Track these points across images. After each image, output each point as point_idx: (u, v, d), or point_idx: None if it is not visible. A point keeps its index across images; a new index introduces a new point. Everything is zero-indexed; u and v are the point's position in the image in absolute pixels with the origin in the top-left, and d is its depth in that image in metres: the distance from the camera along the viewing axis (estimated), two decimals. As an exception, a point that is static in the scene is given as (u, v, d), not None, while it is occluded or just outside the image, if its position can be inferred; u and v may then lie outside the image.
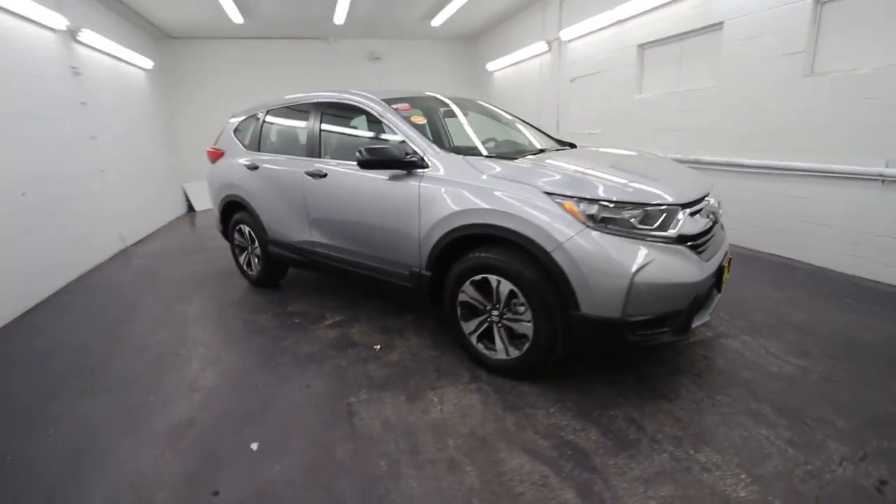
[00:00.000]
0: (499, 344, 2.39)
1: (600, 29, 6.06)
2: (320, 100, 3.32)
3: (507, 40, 8.72)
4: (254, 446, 2.00)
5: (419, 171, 2.58)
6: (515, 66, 8.55)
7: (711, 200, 2.43)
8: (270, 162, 3.58)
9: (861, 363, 2.44)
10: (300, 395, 2.38)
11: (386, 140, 2.89)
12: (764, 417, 2.04)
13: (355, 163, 2.90)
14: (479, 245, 2.38)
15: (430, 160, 2.56)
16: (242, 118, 4.10)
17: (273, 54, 9.19)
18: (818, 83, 3.70)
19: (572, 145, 3.39)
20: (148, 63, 7.19)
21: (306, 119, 3.38)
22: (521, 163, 2.45)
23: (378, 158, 2.58)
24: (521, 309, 2.25)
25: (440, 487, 1.73)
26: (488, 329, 2.43)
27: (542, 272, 2.13)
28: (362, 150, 2.61)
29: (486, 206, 2.23)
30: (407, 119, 2.80)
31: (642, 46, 5.52)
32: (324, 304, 3.64)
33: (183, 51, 8.76)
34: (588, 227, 2.01)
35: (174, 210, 8.24)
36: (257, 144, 3.83)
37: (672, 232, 2.06)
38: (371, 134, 3.08)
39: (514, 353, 2.34)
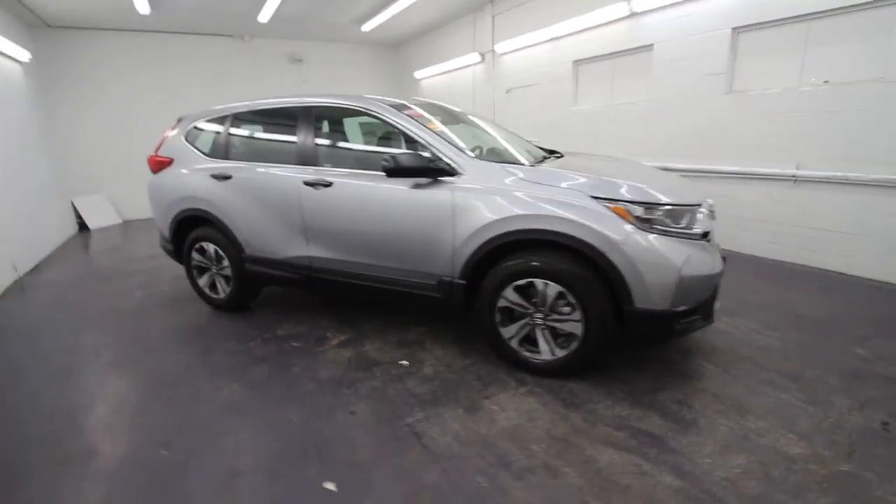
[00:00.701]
0: (543, 345, 2.46)
1: (536, 44, 6.48)
2: (316, 104, 3.08)
3: (436, 49, 8.88)
4: (331, 486, 1.80)
5: (448, 178, 2.54)
6: (446, 74, 8.73)
7: (710, 200, 2.78)
8: (248, 171, 3.22)
9: (817, 331, 2.96)
10: (349, 423, 2.19)
11: (398, 148, 2.79)
12: (777, 384, 2.39)
13: (367, 171, 2.80)
14: (516, 251, 2.42)
15: (460, 167, 2.54)
16: (196, 123, 3.62)
17: (180, 51, 8.22)
18: (737, 99, 4.41)
19: (558, 153, 3.59)
20: (24, 55, 5.93)
21: (294, 125, 3.11)
22: (555, 170, 2.55)
23: (408, 166, 2.49)
24: (567, 309, 2.34)
25: (550, 493, 1.73)
26: (530, 332, 2.48)
27: (592, 272, 2.25)
28: (391, 157, 2.50)
29: (537, 212, 2.28)
30: (424, 126, 2.74)
31: (577, 62, 6.04)
32: (316, 322, 3.37)
33: (69, 43, 7.40)
34: (637, 227, 2.18)
35: (63, 230, 6.88)
36: (224, 152, 3.41)
37: (698, 229, 2.32)
38: (384, 141, 2.95)
39: (560, 352, 2.42)
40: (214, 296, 3.63)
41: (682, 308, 2.22)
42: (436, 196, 2.54)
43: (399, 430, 2.14)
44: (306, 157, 3.02)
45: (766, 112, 4.20)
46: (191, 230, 3.57)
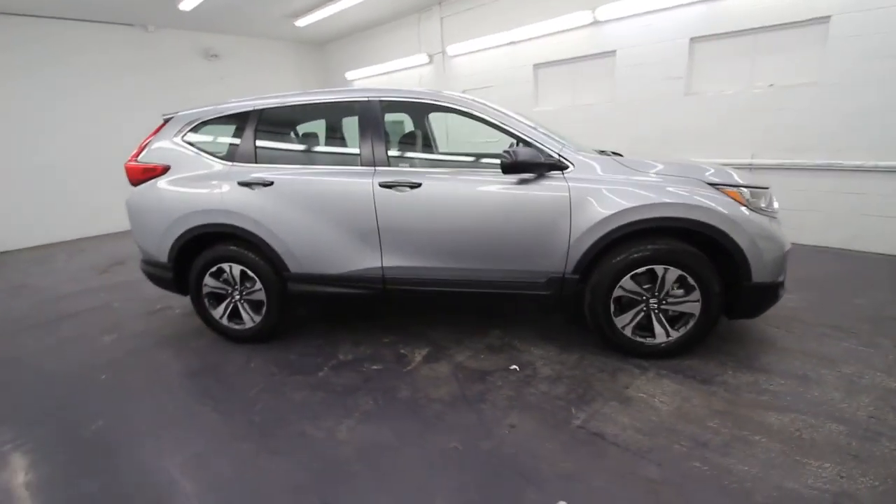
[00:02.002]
0: (658, 329, 2.55)
1: (494, 47, 6.65)
2: (385, 98, 2.76)
3: (372, 49, 8.57)
4: (566, 505, 1.66)
5: (557, 172, 2.50)
6: (387, 76, 8.48)
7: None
8: (296, 176, 2.77)
9: (816, 290, 3.53)
10: (519, 438, 2.03)
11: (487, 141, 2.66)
12: (830, 335, 2.81)
13: (460, 168, 2.63)
14: (628, 241, 2.48)
15: (569, 161, 2.51)
16: (197, 122, 3.00)
17: (68, 41, 6.68)
18: (696, 100, 5.07)
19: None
20: None
21: (349, 121, 2.77)
22: (654, 160, 2.65)
23: (527, 161, 2.39)
24: (681, 291, 2.48)
25: (763, 460, 1.82)
26: (645, 317, 2.56)
27: (707, 254, 2.41)
28: (510, 152, 2.37)
29: (669, 199, 2.36)
30: (521, 121, 2.66)
31: (538, 66, 6.35)
32: (375, 340, 3.03)
33: None
34: (751, 209, 2.39)
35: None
36: (250, 155, 2.88)
37: (776, 208, 2.64)
38: (471, 136, 2.76)
39: (675, 334, 2.55)
40: (236, 326, 3.05)
41: (782, 279, 2.49)
42: (550, 191, 2.48)
43: (576, 433, 2.04)
44: (376, 157, 2.70)
45: (722, 111, 4.90)
46: (202, 250, 2.95)
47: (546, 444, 1.99)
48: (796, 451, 1.87)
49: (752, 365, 2.53)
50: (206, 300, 3.04)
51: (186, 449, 2.09)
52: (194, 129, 3.01)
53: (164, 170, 2.98)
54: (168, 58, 7.71)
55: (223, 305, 3.03)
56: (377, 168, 2.69)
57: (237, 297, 2.99)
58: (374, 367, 2.73)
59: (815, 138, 4.40)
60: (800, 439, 1.94)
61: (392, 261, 2.73)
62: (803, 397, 2.22)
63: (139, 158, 3.06)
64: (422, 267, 2.71)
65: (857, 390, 2.25)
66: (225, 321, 3.06)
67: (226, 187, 2.83)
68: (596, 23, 5.53)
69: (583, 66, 5.96)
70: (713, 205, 2.34)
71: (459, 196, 2.60)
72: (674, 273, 2.44)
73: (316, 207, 2.74)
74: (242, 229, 2.82)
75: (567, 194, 2.46)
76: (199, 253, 2.96)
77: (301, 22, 7.43)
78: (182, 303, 3.93)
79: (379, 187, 2.63)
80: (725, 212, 2.34)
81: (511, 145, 2.61)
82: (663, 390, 2.33)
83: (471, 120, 2.70)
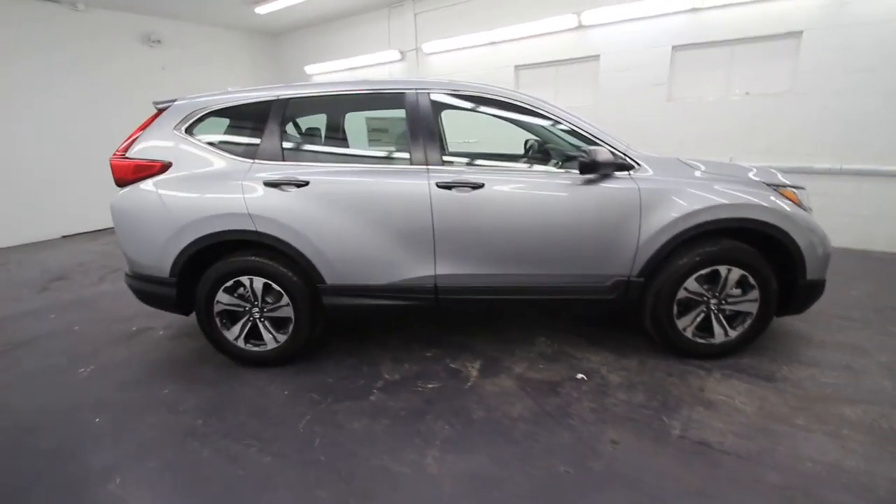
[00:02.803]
0: (717, 329, 2.57)
1: (474, 46, 6.54)
2: (440, 90, 2.54)
3: (336, 43, 8.12)
4: (720, 524, 1.56)
5: (625, 173, 2.42)
6: (352, 72, 8.06)
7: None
8: (337, 175, 2.45)
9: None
10: (626, 455, 1.91)
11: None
12: (851, 325, 3.00)
13: (523, 168, 2.48)
14: (693, 242, 2.46)
15: (635, 161, 2.45)
16: (205, 112, 2.56)
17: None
18: (677, 106, 5.32)
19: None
20: None
21: (398, 115, 2.50)
22: (712, 162, 2.66)
23: (603, 161, 2.29)
24: (739, 291, 2.51)
25: (865, 451, 1.86)
26: (705, 318, 2.56)
27: (764, 254, 2.46)
28: (588, 151, 2.25)
29: (738, 201, 2.37)
30: (584, 120, 2.55)
31: (519, 67, 6.34)
32: (416, 354, 2.78)
33: None
34: (804, 209, 2.47)
35: None
36: (276, 151, 2.50)
37: (810, 207, 2.77)
38: (530, 133, 2.59)
39: (733, 333, 2.57)
40: (255, 348, 2.64)
41: (825, 276, 2.61)
42: (621, 192, 2.39)
43: (681, 444, 1.96)
44: (429, 156, 2.46)
45: (702, 116, 5.18)
46: (212, 262, 2.52)
47: (657, 459, 1.89)
48: (886, 442, 1.93)
49: (800, 359, 2.62)
50: (217, 320, 2.60)
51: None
52: (200, 121, 2.56)
53: (164, 168, 2.50)
54: (100, 42, 6.71)
55: (239, 325, 2.61)
56: (430, 167, 2.45)
57: (257, 314, 2.59)
58: (430, 385, 2.48)
59: (789, 143, 4.79)
60: (881, 429, 2.02)
61: (447, 268, 2.49)
62: (861, 388, 2.33)
63: (128, 154, 2.55)
64: (480, 274, 2.51)
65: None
66: (241, 343, 2.64)
67: (249, 188, 2.43)
68: (581, 27, 5.62)
69: (566, 69, 6.04)
70: (781, 206, 2.39)
71: (526, 198, 2.44)
72: (736, 273, 2.46)
73: (360, 211, 2.43)
74: (270, 236, 2.44)
75: (637, 195, 2.40)
76: (207, 265, 2.53)
77: (262, 9, 6.82)
78: (166, 321, 3.38)
79: (436, 188, 2.39)
80: (789, 212, 2.40)
81: (534, 144, 2.48)
82: (738, 391, 2.34)
83: (529, 118, 2.56)
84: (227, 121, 2.62)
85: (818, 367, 2.53)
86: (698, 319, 2.56)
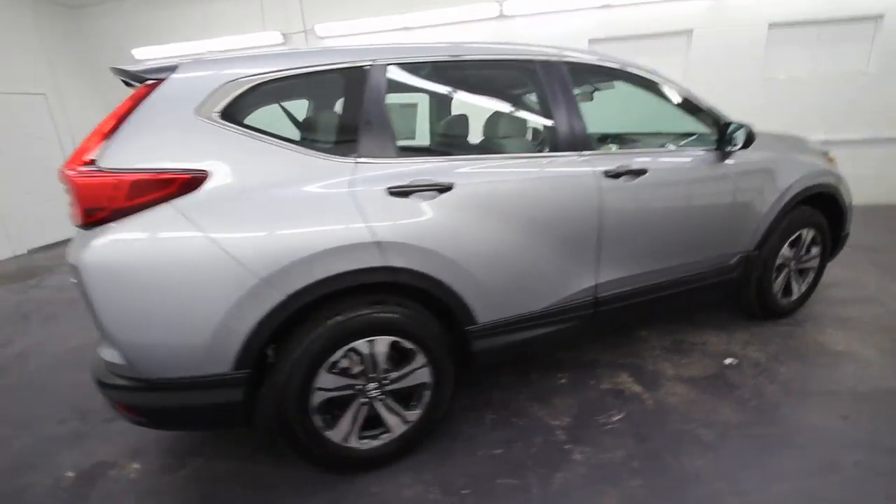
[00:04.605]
0: (794, 287, 2.78)
1: (382, 31, 5.83)
2: (571, 59, 2.02)
3: (178, 20, 6.32)
4: None
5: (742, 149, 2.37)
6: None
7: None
8: (489, 173, 1.75)
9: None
10: (860, 418, 1.86)
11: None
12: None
13: (656, 147, 2.23)
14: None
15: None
16: (258, 84, 1.52)
17: None
18: (770, 84, 5.34)
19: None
20: None
21: (525, 91, 1.94)
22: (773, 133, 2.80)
23: (749, 138, 2.18)
24: (811, 251, 2.76)
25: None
26: (786, 279, 2.74)
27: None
28: (743, 127, 2.12)
29: (822, 169, 2.58)
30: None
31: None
32: (557, 387, 2.26)
33: None
34: (838, 173, 2.85)
35: None
36: (389, 144, 1.64)
37: None
38: (663, 112, 2.26)
39: (803, 288, 2.83)
40: (374, 443, 1.74)
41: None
42: (754, 165, 2.36)
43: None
44: (578, 138, 1.95)
45: (794, 93, 5.25)
46: (307, 328, 1.54)
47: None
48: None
49: (830, 300, 3.05)
50: (316, 418, 1.61)
51: None
52: (243, 98, 1.51)
53: (195, 181, 1.40)
54: None
55: (349, 415, 1.68)
56: (582, 153, 1.97)
57: (375, 392, 1.70)
58: (614, 417, 2.03)
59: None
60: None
61: (609, 273, 2.06)
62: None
63: (104, 163, 1.34)
64: (637, 275, 2.16)
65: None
66: (353, 441, 1.70)
67: (366, 202, 1.54)
68: (502, 16, 5.55)
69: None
70: (838, 171, 2.70)
71: (680, 181, 2.18)
72: (810, 234, 2.70)
73: (518, 217, 1.80)
74: (407, 271, 1.61)
75: (764, 167, 2.40)
76: (283, 337, 1.54)
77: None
78: (134, 444, 2.02)
79: (605, 178, 1.93)
80: (842, 176, 2.73)
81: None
82: (842, 336, 2.57)
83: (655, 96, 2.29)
84: (285, 99, 1.63)
85: (853, 303, 2.98)
86: (783, 281, 2.74)
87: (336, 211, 1.51)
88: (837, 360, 2.36)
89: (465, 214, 1.69)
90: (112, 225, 1.34)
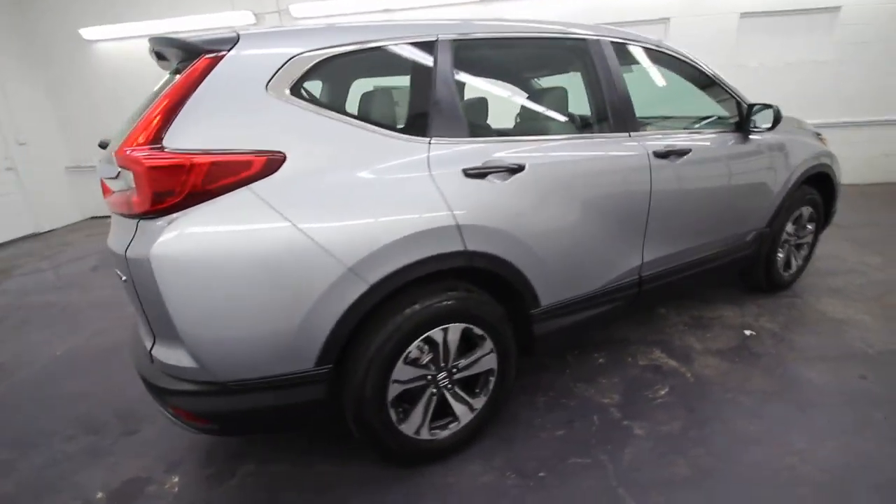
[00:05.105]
0: (794, 262, 2.98)
1: (362, 12, 5.60)
2: (614, 39, 2.02)
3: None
4: None
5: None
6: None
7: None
8: (554, 152, 1.73)
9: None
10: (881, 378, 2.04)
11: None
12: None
13: (704, 128, 2.33)
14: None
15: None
16: (330, 57, 1.41)
17: None
18: (742, 70, 5.46)
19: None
20: None
21: (572, 69, 1.91)
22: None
23: (773, 116, 2.29)
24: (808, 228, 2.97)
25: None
26: (788, 254, 2.93)
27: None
28: (778, 110, 2.23)
29: (825, 149, 2.74)
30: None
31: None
32: (597, 366, 2.31)
33: None
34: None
35: None
36: (461, 123, 1.58)
37: None
38: (697, 93, 2.32)
39: (800, 261, 3.04)
40: (442, 433, 1.71)
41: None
42: (773, 145, 2.50)
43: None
44: (626, 119, 1.97)
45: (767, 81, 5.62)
46: (384, 319, 1.47)
47: (905, 377, 2.10)
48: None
49: (820, 271, 3.30)
50: (392, 412, 1.55)
51: None
52: (312, 73, 1.39)
53: (272, 163, 1.28)
54: None
55: (421, 406, 1.63)
56: (631, 133, 1.99)
57: (445, 381, 1.66)
58: (661, 391, 2.10)
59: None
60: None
61: (652, 253, 2.12)
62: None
63: (169, 143, 1.20)
64: (674, 253, 2.23)
65: None
66: (425, 432, 1.66)
67: (444, 184, 1.48)
68: (484, 0, 5.49)
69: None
70: (831, 152, 2.90)
71: (715, 161, 2.26)
72: (807, 211, 2.89)
73: (581, 198, 1.81)
74: (484, 255, 1.57)
75: (781, 147, 2.54)
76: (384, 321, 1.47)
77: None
78: (158, 454, 1.86)
79: (654, 158, 1.96)
80: (834, 156, 2.93)
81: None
82: (839, 305, 2.79)
83: (683, 77, 2.35)
84: (350, 75, 1.52)
85: (838, 274, 3.24)
86: (785, 256, 2.93)
87: (418, 193, 1.44)
88: (840, 326, 2.56)
89: (534, 195, 1.67)
90: (185, 212, 1.20)
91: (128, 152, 1.19)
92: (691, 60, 2.32)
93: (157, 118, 1.22)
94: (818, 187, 2.90)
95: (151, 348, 1.37)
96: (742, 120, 2.38)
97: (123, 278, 1.31)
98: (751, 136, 2.42)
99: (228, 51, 1.31)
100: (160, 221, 1.20)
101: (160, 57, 1.50)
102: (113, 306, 3.40)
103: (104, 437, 2.04)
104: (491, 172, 1.57)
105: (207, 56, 1.30)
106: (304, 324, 1.31)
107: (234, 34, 1.35)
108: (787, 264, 2.95)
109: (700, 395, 2.07)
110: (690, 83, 2.39)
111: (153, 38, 1.38)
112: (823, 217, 3.06)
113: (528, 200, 1.66)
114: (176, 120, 1.22)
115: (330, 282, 1.31)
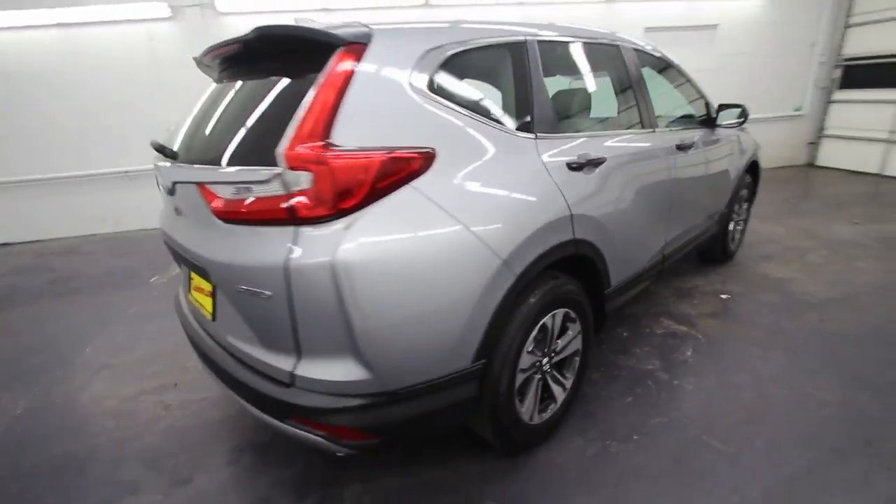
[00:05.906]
0: (735, 235, 3.60)
1: (303, 10, 5.28)
2: (635, 46, 2.31)
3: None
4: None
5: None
6: (64, 28, 4.91)
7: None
8: (621, 148, 1.94)
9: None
10: (831, 317, 2.61)
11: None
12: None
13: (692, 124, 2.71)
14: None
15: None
16: (458, 53, 1.43)
17: None
18: None
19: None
20: None
21: (609, 73, 2.15)
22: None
23: (741, 112, 2.76)
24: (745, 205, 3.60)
25: None
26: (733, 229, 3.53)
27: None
28: (745, 108, 2.69)
29: (755, 142, 3.32)
30: None
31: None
32: (619, 337, 2.56)
33: None
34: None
35: None
36: (552, 119, 1.68)
37: None
38: (678, 91, 2.65)
39: (738, 235, 3.67)
40: (544, 416, 1.79)
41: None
42: (739, 138, 3.03)
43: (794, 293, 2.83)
44: (651, 117, 2.24)
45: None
46: (520, 306, 1.52)
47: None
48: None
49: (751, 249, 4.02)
50: (518, 403, 1.60)
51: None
52: (444, 67, 1.38)
53: (427, 159, 1.25)
54: None
55: (532, 390, 1.70)
56: (655, 130, 2.26)
57: (546, 364, 1.75)
58: (688, 353, 2.42)
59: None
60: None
61: (671, 233, 2.44)
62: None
63: (338, 141, 1.11)
64: (682, 232, 2.59)
65: None
66: (536, 417, 1.73)
67: (557, 176, 1.57)
68: (428, 5, 5.56)
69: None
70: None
71: (709, 151, 2.67)
72: (745, 192, 3.51)
73: (639, 186, 2.05)
74: (586, 243, 1.70)
75: (738, 139, 3.05)
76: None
77: None
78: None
79: (676, 150, 2.26)
80: (759, 146, 3.59)
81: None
82: (777, 263, 3.44)
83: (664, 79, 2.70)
84: (470, 70, 1.53)
85: (760, 244, 3.98)
86: (732, 231, 3.52)
87: (542, 186, 1.52)
88: (784, 284, 3.17)
89: (612, 185, 1.84)
90: (361, 213, 1.13)
91: (307, 151, 1.07)
92: (676, 64, 2.70)
93: (320, 115, 1.12)
94: (749, 172, 3.55)
95: (294, 368, 1.24)
96: (710, 117, 2.82)
97: (266, 293, 1.17)
98: (716, 131, 2.90)
99: (367, 44, 1.25)
100: (336, 225, 1.11)
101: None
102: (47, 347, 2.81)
103: (153, 493, 1.74)
104: (586, 165, 1.70)
105: (345, 51, 1.22)
106: (469, 320, 1.31)
107: (364, 28, 1.28)
108: (733, 238, 3.56)
109: (719, 351, 2.43)
110: (673, 83, 2.77)
111: (265, 26, 1.25)
112: (752, 196, 3.74)
113: (608, 189, 1.82)
114: (339, 118, 1.14)
115: (489, 275, 1.32)
